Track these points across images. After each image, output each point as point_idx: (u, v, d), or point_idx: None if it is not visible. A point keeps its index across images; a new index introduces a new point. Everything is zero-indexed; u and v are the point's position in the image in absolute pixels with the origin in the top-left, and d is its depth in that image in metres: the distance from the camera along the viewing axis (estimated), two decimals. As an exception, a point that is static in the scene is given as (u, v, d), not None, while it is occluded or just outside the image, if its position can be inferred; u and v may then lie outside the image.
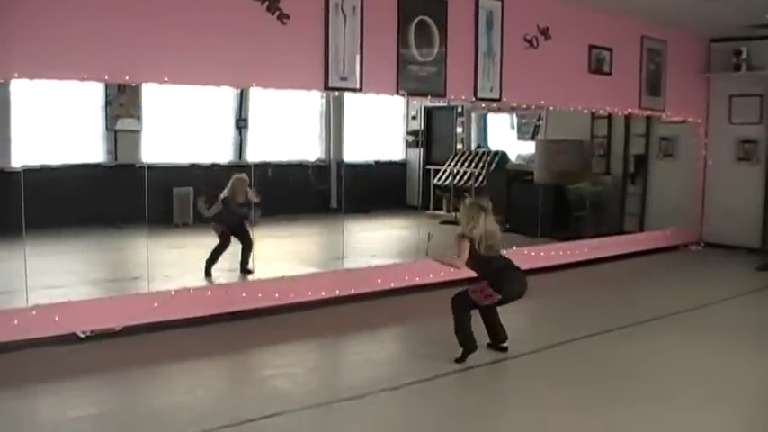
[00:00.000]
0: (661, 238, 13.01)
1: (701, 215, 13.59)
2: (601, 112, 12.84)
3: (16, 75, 6.60)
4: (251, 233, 9.48)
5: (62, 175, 12.03)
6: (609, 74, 11.62)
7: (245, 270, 9.40)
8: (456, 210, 14.53)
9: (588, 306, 9.19)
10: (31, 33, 6.57)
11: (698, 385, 6.28)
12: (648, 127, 13.75)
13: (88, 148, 12.85)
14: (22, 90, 8.31)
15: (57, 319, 6.84)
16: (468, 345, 6.66)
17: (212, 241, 9.42)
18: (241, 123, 14.11)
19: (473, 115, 16.72)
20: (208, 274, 9.30)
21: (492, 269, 6.73)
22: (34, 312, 6.76)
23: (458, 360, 6.62)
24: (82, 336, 7.00)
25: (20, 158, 9.19)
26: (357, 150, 15.67)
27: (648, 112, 12.65)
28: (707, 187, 13.52)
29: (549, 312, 9.03)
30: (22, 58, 6.52)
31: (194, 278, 8.94)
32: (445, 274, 9.31)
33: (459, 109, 16.49)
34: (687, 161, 13.51)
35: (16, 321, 6.67)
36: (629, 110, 12.32)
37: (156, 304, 7.43)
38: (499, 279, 6.70)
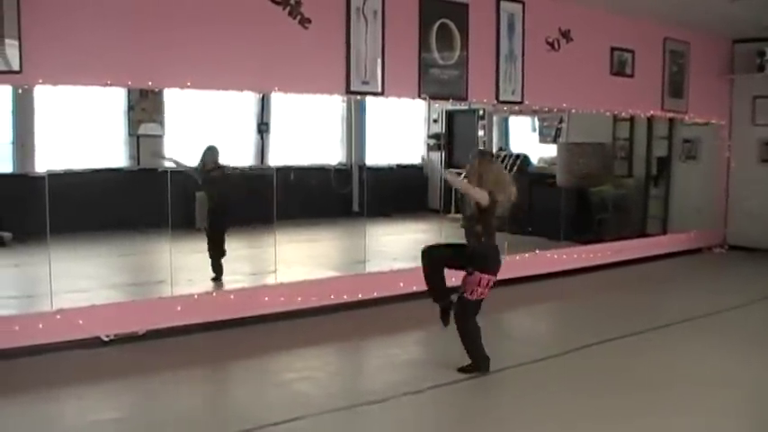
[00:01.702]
0: (684, 241, 12.93)
1: (724, 217, 13.51)
2: (623, 114, 12.77)
3: (40, 80, 6.66)
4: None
5: (85, 179, 12.06)
6: (631, 76, 11.58)
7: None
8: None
9: (610, 310, 9.14)
10: (54, 40, 6.62)
11: (719, 393, 6.21)
12: (671, 129, 13.66)
13: (111, 152, 12.89)
14: (45, 96, 8.37)
15: (81, 323, 6.88)
16: (482, 360, 6.47)
17: (235, 245, 9.45)
18: (263, 127, 14.10)
19: (494, 118, 16.64)
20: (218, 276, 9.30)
21: (492, 238, 6.53)
22: (59, 316, 6.81)
23: (465, 370, 6.47)
24: (106, 340, 7.04)
25: (44, 163, 9.25)
26: (379, 154, 15.67)
27: (671, 114, 12.59)
28: (730, 189, 13.44)
29: (571, 316, 9.01)
30: (45, 64, 6.57)
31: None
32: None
33: (481, 112, 16.43)
34: (710, 163, 13.43)
35: (41, 325, 6.73)
36: (652, 112, 12.27)
37: (179, 308, 7.47)
38: (490, 256, 6.49)
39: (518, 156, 15.48)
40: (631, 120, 13.69)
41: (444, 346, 7.30)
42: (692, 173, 13.58)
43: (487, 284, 6.42)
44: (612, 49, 11.33)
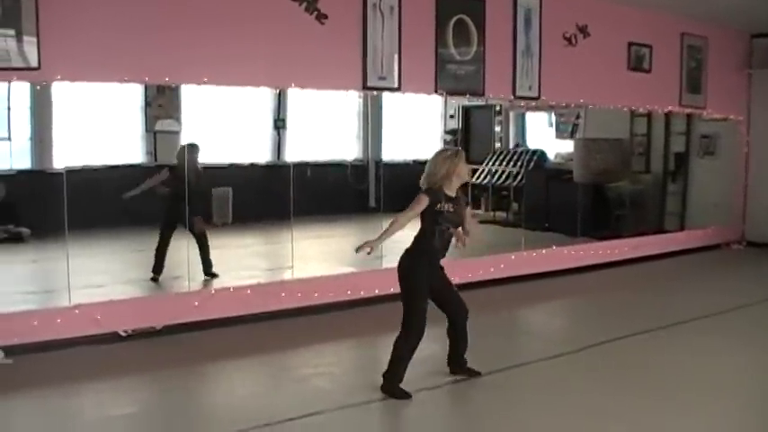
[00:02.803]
0: (702, 237, 12.86)
1: (743, 214, 13.42)
2: (640, 109, 12.72)
3: (58, 77, 6.69)
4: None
5: (103, 175, 12.11)
6: (648, 71, 11.52)
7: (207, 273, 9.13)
8: (496, 209, 14.50)
9: (627, 306, 9.10)
10: (72, 36, 6.66)
11: (734, 392, 6.17)
12: (689, 125, 13.59)
13: (128, 148, 12.94)
14: (63, 92, 8.42)
15: (99, 318, 6.92)
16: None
17: (252, 241, 9.43)
18: (279, 123, 14.12)
19: (511, 114, 16.61)
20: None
21: None
22: (77, 311, 6.85)
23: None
24: (123, 335, 7.08)
25: (62, 160, 9.31)
26: (395, 150, 15.65)
27: (689, 110, 12.52)
28: (749, 185, 13.35)
29: (587, 313, 8.98)
30: (63, 60, 6.61)
31: (234, 277, 8.97)
32: (484, 272, 9.32)
33: (498, 107, 16.38)
34: (729, 159, 13.34)
35: (59, 320, 6.77)
36: (669, 107, 12.20)
37: (196, 303, 7.49)
38: None
39: (535, 151, 15.44)
40: (649, 115, 13.64)
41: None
42: (710, 169, 13.49)
43: None
44: (630, 45, 11.27)
